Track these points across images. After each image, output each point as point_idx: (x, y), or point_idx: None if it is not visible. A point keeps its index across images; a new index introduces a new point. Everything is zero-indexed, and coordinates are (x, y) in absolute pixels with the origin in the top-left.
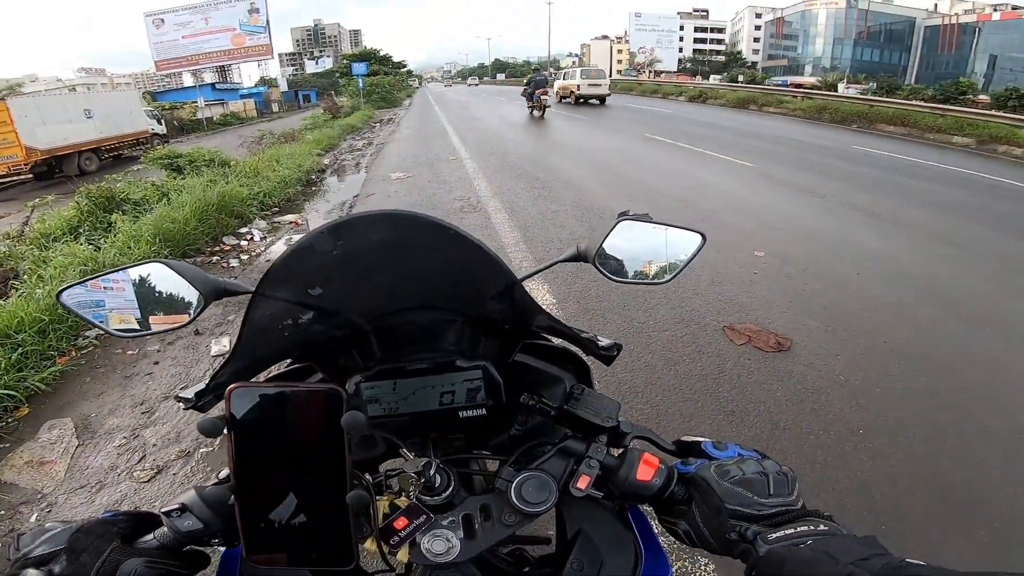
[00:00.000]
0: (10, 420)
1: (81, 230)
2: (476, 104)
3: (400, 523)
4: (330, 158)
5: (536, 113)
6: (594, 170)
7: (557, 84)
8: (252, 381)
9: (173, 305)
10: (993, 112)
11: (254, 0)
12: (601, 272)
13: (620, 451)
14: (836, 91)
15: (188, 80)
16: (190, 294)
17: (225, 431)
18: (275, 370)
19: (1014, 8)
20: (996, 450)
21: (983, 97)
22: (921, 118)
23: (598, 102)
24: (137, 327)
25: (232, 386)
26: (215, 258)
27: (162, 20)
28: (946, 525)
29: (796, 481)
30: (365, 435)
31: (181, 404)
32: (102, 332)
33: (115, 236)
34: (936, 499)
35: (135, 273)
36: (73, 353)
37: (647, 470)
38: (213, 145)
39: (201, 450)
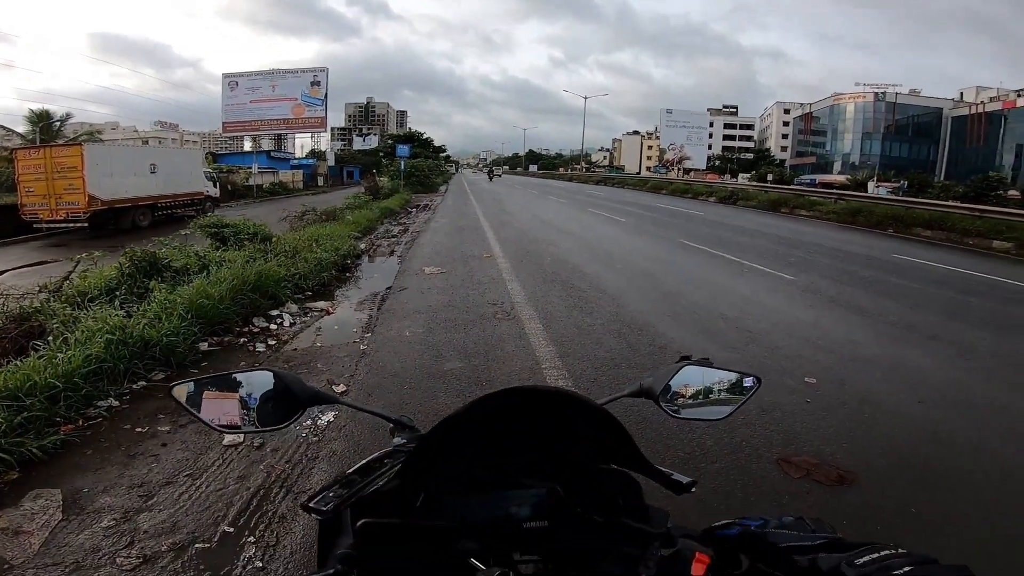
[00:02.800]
0: None
1: (118, 293)
2: (508, 196)
3: None
4: (366, 242)
5: (489, 180)
6: (631, 280)
7: (496, 170)
8: (385, 519)
9: (275, 410)
10: None
11: (317, 73)
12: (663, 410)
13: (672, 550)
14: (866, 190)
15: (247, 145)
16: (292, 402)
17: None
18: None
19: None
20: None
21: (1014, 193)
22: (959, 221)
23: (500, 175)
24: (239, 426)
25: (363, 521)
26: (243, 339)
27: (236, 83)
28: None
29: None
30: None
31: (314, 515)
32: (205, 425)
33: (148, 305)
34: None
35: (244, 377)
36: (80, 423)
37: (700, 566)
38: (258, 214)
39: (196, 545)
